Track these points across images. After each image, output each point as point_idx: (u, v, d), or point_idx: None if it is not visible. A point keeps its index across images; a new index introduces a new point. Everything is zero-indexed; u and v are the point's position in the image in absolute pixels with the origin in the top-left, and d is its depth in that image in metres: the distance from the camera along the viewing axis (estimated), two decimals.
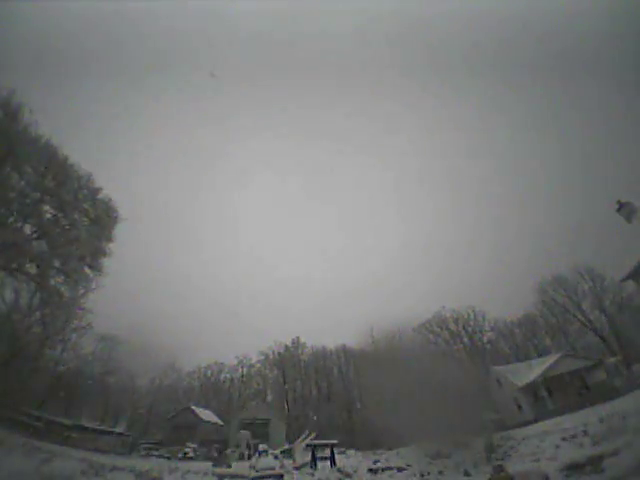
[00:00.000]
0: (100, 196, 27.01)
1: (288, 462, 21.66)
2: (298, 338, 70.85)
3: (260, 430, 43.18)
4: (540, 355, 44.90)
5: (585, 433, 13.56)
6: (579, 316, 47.89)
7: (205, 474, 15.32)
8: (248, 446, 30.44)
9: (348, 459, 25.57)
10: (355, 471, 14.82)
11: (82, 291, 26.46)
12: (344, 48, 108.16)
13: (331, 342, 69.52)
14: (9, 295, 27.37)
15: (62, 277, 24.70)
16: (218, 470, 17.06)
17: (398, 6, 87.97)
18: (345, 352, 68.54)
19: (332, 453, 20.34)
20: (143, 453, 29.95)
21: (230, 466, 21.56)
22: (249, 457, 23.68)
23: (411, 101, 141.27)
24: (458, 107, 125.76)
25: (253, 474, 14.55)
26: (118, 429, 39.08)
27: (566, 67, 79.49)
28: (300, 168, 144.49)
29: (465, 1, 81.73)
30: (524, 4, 76.08)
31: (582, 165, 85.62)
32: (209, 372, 69.97)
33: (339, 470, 14.80)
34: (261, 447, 25.49)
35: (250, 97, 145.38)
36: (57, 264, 24.22)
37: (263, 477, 13.81)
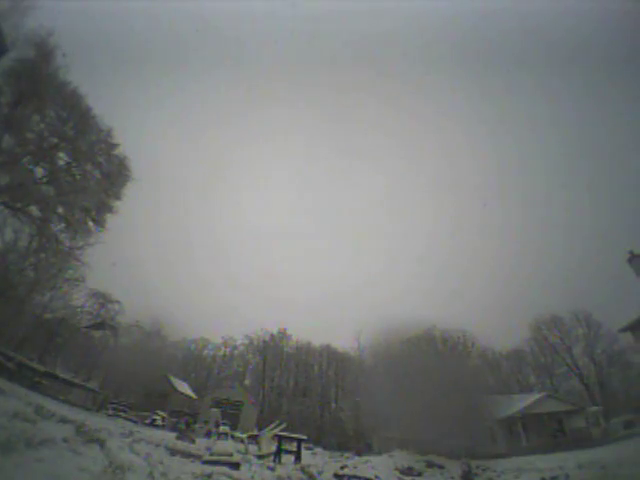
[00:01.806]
0: (116, 152, 26.83)
1: (253, 448, 21.47)
2: (285, 330, 70.94)
3: (232, 411, 43.25)
4: (522, 391, 44.64)
5: (567, 477, 13.29)
6: (568, 360, 47.64)
7: (157, 446, 14.35)
8: (217, 424, 30.33)
9: (314, 457, 25.38)
10: (320, 473, 14.30)
11: (81, 243, 26.42)
12: (344, 51, 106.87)
13: (317, 340, 69.57)
14: (9, 235, 27.30)
15: (64, 225, 24.62)
16: (171, 444, 16.26)
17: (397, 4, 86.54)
18: (329, 352, 68.56)
19: (299, 448, 19.98)
20: (110, 413, 29.58)
21: (194, 441, 21.26)
22: (219, 436, 23.52)
23: (410, 105, 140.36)
24: (462, 119, 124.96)
25: (206, 457, 13.50)
26: (91, 385, 38.95)
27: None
28: (302, 169, 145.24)
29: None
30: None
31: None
32: (193, 346, 70.26)
33: (302, 469, 14.33)
34: (222, 429, 25.10)
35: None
36: (61, 211, 24.13)
37: (216, 462, 12.54)
